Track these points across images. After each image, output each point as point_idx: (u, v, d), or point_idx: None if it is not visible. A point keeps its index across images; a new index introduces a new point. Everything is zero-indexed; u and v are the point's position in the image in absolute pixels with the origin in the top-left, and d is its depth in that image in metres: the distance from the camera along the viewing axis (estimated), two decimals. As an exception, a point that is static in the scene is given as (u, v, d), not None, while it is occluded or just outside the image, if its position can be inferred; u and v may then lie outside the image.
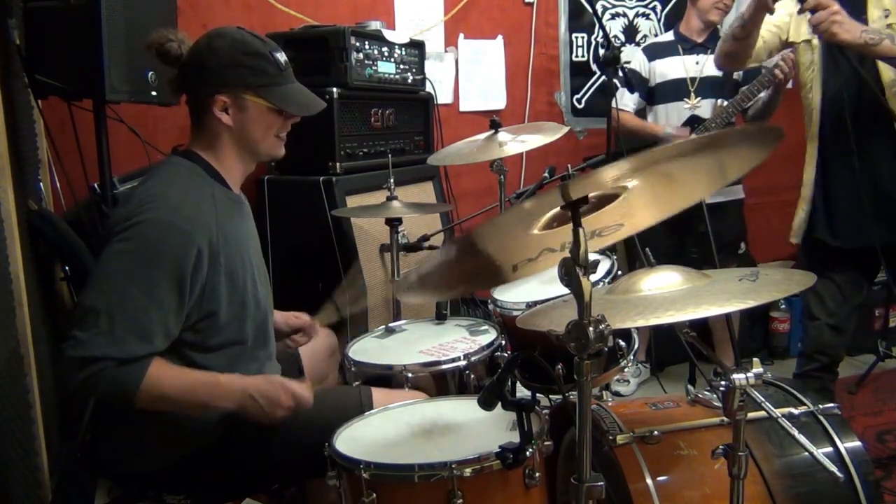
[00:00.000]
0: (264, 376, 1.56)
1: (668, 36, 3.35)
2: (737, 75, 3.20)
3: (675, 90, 3.24)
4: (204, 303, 1.50)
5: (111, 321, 1.37)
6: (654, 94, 3.29)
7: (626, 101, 3.31)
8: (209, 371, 1.51)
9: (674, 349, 3.33)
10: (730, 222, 3.32)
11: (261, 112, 1.57)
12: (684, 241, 3.19)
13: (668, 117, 3.27)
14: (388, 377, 1.85)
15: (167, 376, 1.43)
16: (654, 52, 3.30)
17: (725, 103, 3.14)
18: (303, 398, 1.52)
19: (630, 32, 3.93)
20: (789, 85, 3.13)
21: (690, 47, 3.26)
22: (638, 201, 1.17)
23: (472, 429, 1.47)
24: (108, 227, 1.50)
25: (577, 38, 3.84)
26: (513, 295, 1.99)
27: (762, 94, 3.05)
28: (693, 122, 3.20)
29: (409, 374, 1.81)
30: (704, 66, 3.20)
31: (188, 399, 1.45)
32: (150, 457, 1.56)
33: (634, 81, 3.30)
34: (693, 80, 3.23)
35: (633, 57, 3.38)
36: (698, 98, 3.23)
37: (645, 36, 3.93)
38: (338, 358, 2.07)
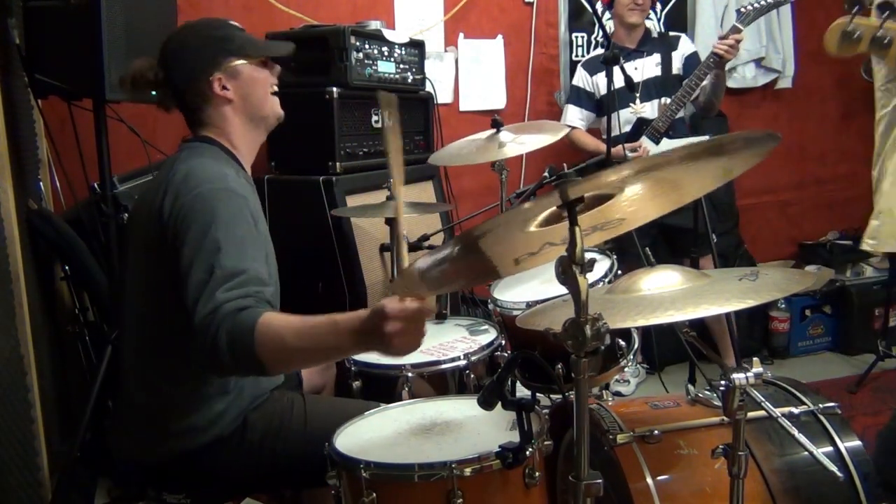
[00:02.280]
0: (375, 310, 1.31)
1: (599, 50, 3.42)
2: (677, 69, 3.24)
3: (619, 99, 3.19)
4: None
5: (216, 279, 1.35)
6: (601, 107, 3.30)
7: (572, 117, 3.36)
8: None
9: (674, 349, 3.33)
10: (720, 212, 3.39)
11: (251, 70, 1.62)
12: (656, 238, 3.19)
13: (617, 125, 3.21)
14: (388, 377, 1.84)
15: (279, 319, 1.33)
16: (593, 66, 3.32)
17: (669, 100, 3.15)
18: (427, 304, 1.33)
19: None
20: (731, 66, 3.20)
21: (626, 54, 3.23)
22: (637, 199, 1.17)
23: (472, 428, 1.47)
24: (159, 213, 1.47)
25: (577, 37, 3.83)
26: (513, 295, 1.99)
27: (705, 81, 3.07)
28: (640, 126, 3.20)
29: (409, 374, 1.80)
30: (643, 69, 3.24)
31: (309, 343, 1.34)
32: (166, 445, 1.55)
33: (582, 97, 3.33)
34: (637, 85, 3.19)
35: (576, 75, 3.41)
36: (642, 103, 3.24)
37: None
38: (333, 371, 2.07)
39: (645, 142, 3.17)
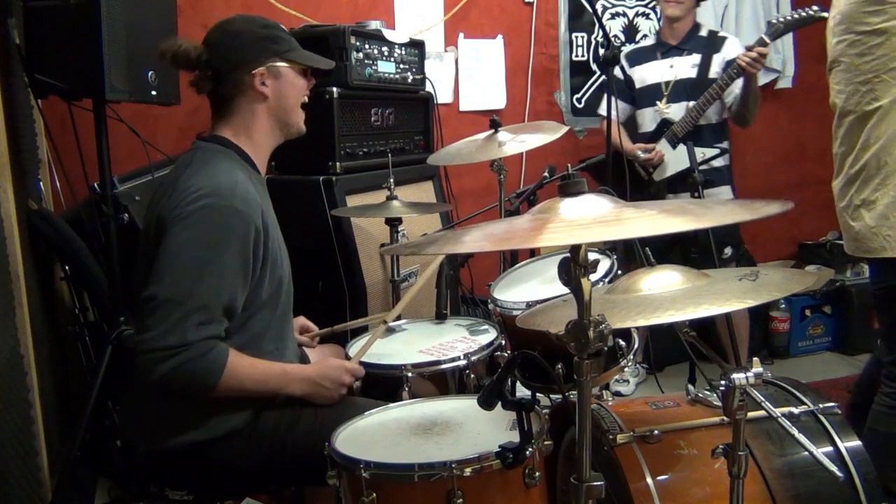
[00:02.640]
0: (319, 362, 1.70)
1: (650, 40, 3.35)
2: (714, 73, 3.14)
3: (651, 95, 3.22)
4: (260, 279, 1.57)
5: (186, 309, 1.42)
6: (636, 100, 3.28)
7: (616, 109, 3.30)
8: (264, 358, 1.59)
9: (674, 349, 3.33)
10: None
11: (293, 76, 1.69)
12: (674, 240, 3.18)
13: (644, 123, 3.27)
14: (388, 377, 1.84)
15: (242, 367, 1.50)
16: (635, 58, 3.29)
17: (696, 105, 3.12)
18: (357, 371, 1.69)
19: (630, 32, 3.93)
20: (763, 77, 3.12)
21: (666, 50, 3.23)
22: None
23: (472, 428, 1.47)
24: (158, 216, 1.52)
25: (577, 37, 3.84)
26: (513, 295, 1.99)
27: (736, 90, 3.03)
28: (663, 127, 3.18)
29: (409, 374, 1.80)
30: (679, 68, 3.18)
31: (261, 388, 1.55)
32: (181, 434, 1.56)
33: (621, 89, 3.24)
34: (667, 84, 3.19)
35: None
36: (669, 103, 3.18)
37: (645, 35, 3.93)
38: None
39: (661, 144, 3.15)
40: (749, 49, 2.89)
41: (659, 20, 3.96)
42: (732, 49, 3.12)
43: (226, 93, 1.64)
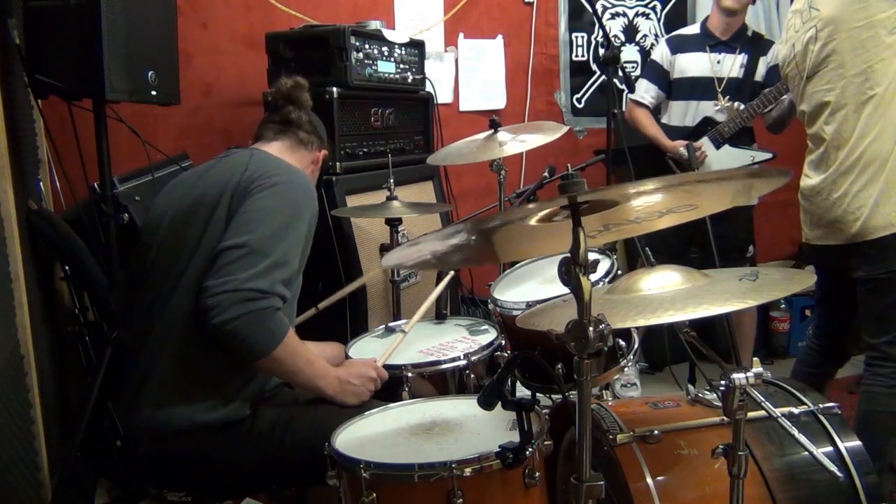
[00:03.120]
0: (346, 364, 1.80)
1: (695, 28, 3.23)
2: (760, 76, 3.13)
3: (695, 88, 3.15)
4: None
5: (274, 262, 1.50)
6: (671, 89, 3.21)
7: (643, 91, 3.21)
8: None
9: (674, 349, 3.33)
10: (739, 226, 3.22)
11: (318, 166, 1.98)
12: (690, 240, 3.19)
13: (685, 116, 3.18)
14: (388, 377, 1.84)
15: (298, 341, 1.57)
16: (678, 44, 3.20)
17: (742, 107, 3.08)
18: (382, 373, 1.74)
19: (630, 32, 3.93)
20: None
21: (714, 44, 3.15)
22: (648, 207, 1.16)
23: (472, 428, 1.47)
24: (234, 189, 1.60)
25: (577, 37, 3.84)
26: (513, 295, 1.99)
27: (785, 97, 2.98)
28: (706, 125, 3.13)
29: (409, 374, 1.80)
30: (726, 66, 3.12)
31: (306, 371, 1.60)
32: (181, 417, 1.57)
33: (655, 73, 3.20)
34: (720, 80, 3.12)
35: (657, 47, 3.29)
36: (727, 101, 3.13)
37: (645, 35, 3.93)
38: None
39: (706, 144, 3.11)
40: None
41: (663, 19, 3.96)
42: (774, 54, 3.08)
43: (304, 138, 1.88)
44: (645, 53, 3.94)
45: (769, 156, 3.13)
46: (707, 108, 3.15)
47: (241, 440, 1.58)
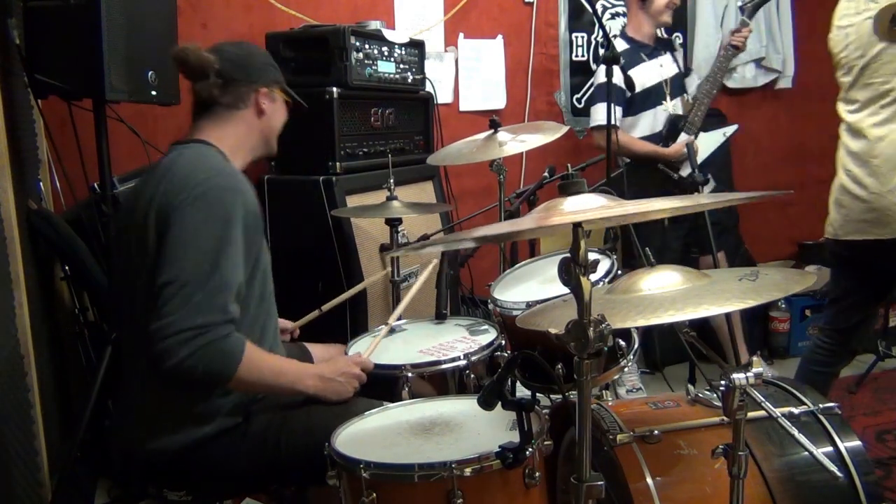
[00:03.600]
0: (327, 361, 1.77)
1: (622, 44, 3.29)
2: (684, 68, 3.39)
3: (651, 96, 3.25)
4: (254, 265, 1.60)
5: (209, 290, 1.43)
6: (631, 104, 3.26)
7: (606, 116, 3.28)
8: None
9: (674, 349, 3.33)
10: (727, 209, 3.42)
11: (281, 104, 1.81)
12: (689, 230, 3.21)
13: (653, 124, 3.26)
14: (388, 377, 1.84)
15: (260, 356, 1.54)
16: (626, 63, 3.19)
17: (691, 96, 3.30)
18: (366, 363, 1.74)
19: (630, 32, 3.93)
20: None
21: (650, 52, 3.28)
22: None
23: (472, 429, 1.47)
24: (158, 208, 1.52)
25: (577, 37, 3.84)
26: (513, 295, 1.99)
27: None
28: (675, 123, 3.23)
29: (409, 374, 1.80)
30: (666, 67, 3.30)
31: (277, 381, 1.57)
32: (170, 437, 1.56)
33: (618, 95, 3.17)
34: (666, 82, 3.28)
35: (604, 70, 3.32)
36: (674, 99, 3.30)
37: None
38: None
39: (682, 139, 3.21)
40: (736, 31, 3.19)
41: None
42: (678, 44, 3.50)
43: (228, 102, 1.70)
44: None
45: (735, 127, 3.31)
46: (661, 111, 3.28)
47: (236, 445, 1.58)
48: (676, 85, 3.31)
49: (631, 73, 3.18)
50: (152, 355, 1.41)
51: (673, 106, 3.28)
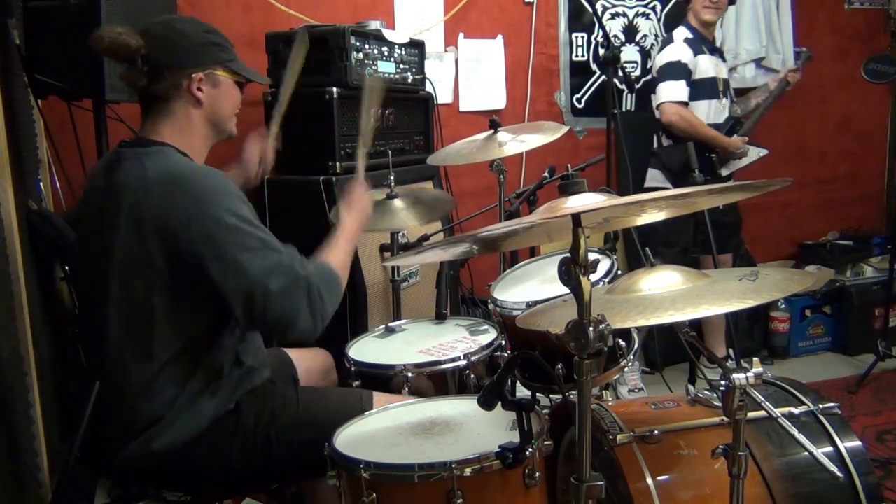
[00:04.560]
0: (343, 206, 1.88)
1: (687, 32, 3.32)
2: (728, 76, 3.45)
3: (710, 88, 3.31)
4: None
5: (274, 272, 1.46)
6: (693, 89, 3.28)
7: (678, 91, 3.23)
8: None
9: (674, 349, 3.33)
10: (729, 208, 3.42)
11: (229, 86, 1.65)
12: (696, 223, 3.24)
13: (711, 115, 3.32)
14: (387, 377, 1.85)
15: (325, 260, 1.61)
16: (693, 46, 3.29)
17: (740, 107, 3.45)
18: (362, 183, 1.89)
19: (630, 32, 3.93)
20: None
21: (710, 47, 3.34)
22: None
23: (472, 429, 1.47)
24: (154, 226, 1.47)
25: (577, 37, 3.84)
26: (513, 295, 1.99)
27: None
28: (735, 124, 3.33)
29: (409, 374, 1.80)
30: (721, 67, 3.38)
31: (347, 258, 1.70)
32: (159, 439, 1.55)
33: (684, 74, 3.24)
34: (720, 81, 3.35)
35: (676, 49, 3.29)
36: (725, 99, 3.37)
37: (645, 35, 3.93)
38: (334, 378, 2.06)
39: (741, 138, 3.31)
40: (794, 71, 3.56)
41: (663, 19, 3.96)
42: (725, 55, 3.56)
43: (160, 93, 1.57)
44: (645, 53, 3.93)
45: (767, 151, 3.35)
46: (717, 104, 3.33)
47: (227, 438, 1.57)
48: (728, 87, 3.39)
49: (698, 58, 3.29)
50: (299, 340, 1.52)
51: (724, 106, 3.35)
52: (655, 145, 3.39)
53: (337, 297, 1.55)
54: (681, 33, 3.33)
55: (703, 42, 3.31)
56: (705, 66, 3.27)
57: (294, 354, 2.00)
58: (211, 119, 1.64)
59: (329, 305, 1.51)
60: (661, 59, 3.32)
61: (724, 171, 3.30)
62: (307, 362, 2.01)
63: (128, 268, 1.49)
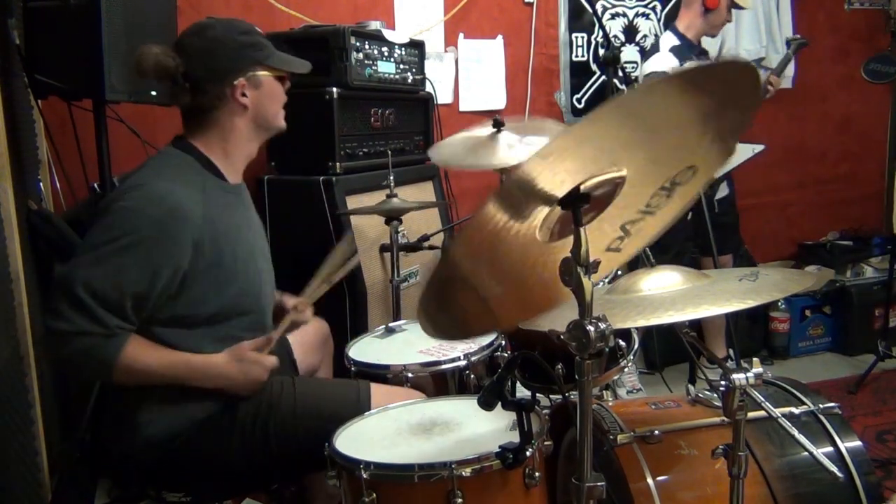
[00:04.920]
0: (227, 351, 1.57)
1: (674, 39, 3.28)
2: None
3: None
4: (184, 288, 1.51)
5: (92, 296, 1.40)
6: None
7: None
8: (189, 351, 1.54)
9: (674, 349, 3.33)
10: (727, 209, 3.50)
11: (271, 84, 1.63)
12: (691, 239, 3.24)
13: None
14: (387, 377, 1.84)
15: (144, 352, 1.48)
16: (680, 55, 3.25)
17: None
18: (268, 360, 1.58)
19: (630, 32, 3.93)
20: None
21: (698, 53, 3.30)
22: (641, 189, 1.14)
23: (472, 429, 1.47)
24: (100, 205, 1.52)
25: (577, 38, 3.83)
26: (513, 295, 1.99)
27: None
28: None
29: (409, 374, 1.80)
30: None
31: (166, 375, 1.51)
32: (146, 432, 1.55)
33: None
34: None
35: (662, 59, 3.26)
36: None
37: (645, 36, 3.93)
38: (330, 347, 2.06)
39: None
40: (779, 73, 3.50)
41: (663, 19, 3.96)
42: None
43: (205, 105, 1.58)
44: (644, 54, 3.93)
45: (762, 147, 3.33)
46: None
47: (225, 434, 1.57)
48: None
49: (686, 65, 3.25)
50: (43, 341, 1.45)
51: None
52: None
53: (93, 371, 1.51)
54: (667, 41, 3.30)
55: (690, 49, 3.28)
56: None
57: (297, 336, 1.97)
58: (257, 121, 1.63)
59: (75, 362, 1.46)
60: (646, 67, 3.31)
61: (719, 172, 3.28)
62: (301, 335, 1.97)
63: None
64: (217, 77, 1.56)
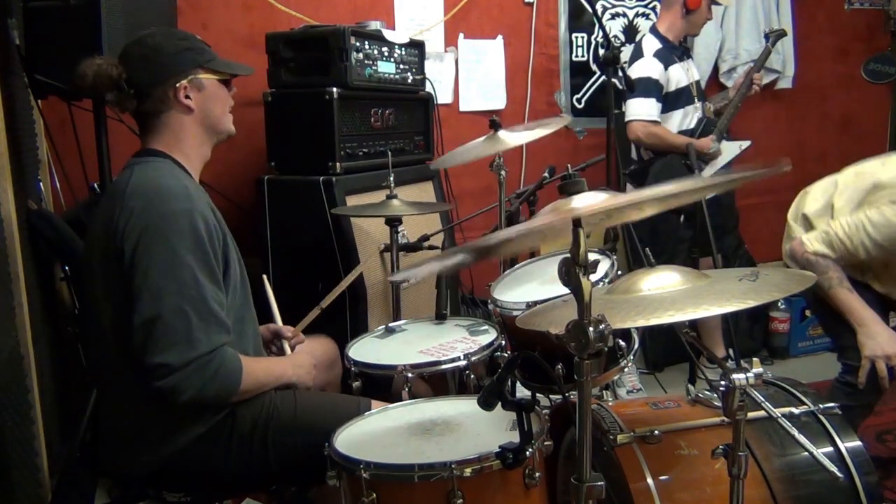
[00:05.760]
0: (286, 357, 1.84)
1: (656, 42, 3.29)
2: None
3: (686, 96, 3.31)
4: (226, 278, 1.57)
5: (186, 323, 1.43)
6: (666, 101, 3.27)
7: (648, 110, 3.22)
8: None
9: (673, 349, 3.33)
10: (727, 209, 3.50)
11: (215, 87, 1.66)
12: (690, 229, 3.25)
13: (684, 123, 3.32)
14: (388, 377, 1.84)
15: (252, 364, 1.57)
16: (663, 59, 3.26)
17: (712, 105, 3.42)
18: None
19: (630, 32, 3.93)
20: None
21: (680, 54, 3.33)
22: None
23: (472, 429, 1.47)
24: (113, 231, 1.49)
25: (577, 38, 3.84)
26: (513, 295, 1.99)
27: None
28: (709, 126, 3.30)
29: (409, 374, 1.80)
30: (692, 71, 3.40)
31: (270, 380, 1.63)
32: (149, 451, 1.56)
33: (655, 90, 3.23)
34: (692, 85, 3.36)
35: (646, 64, 3.26)
36: (698, 102, 3.38)
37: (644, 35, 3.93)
38: (338, 370, 2.06)
39: (711, 139, 3.30)
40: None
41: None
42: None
43: (151, 109, 1.61)
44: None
45: (749, 143, 3.36)
46: (692, 109, 3.35)
47: (223, 443, 1.57)
48: (700, 89, 3.42)
49: (669, 70, 3.27)
50: (159, 391, 1.43)
51: (697, 108, 3.36)
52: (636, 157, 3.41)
53: (227, 388, 1.50)
54: (650, 45, 3.29)
55: (673, 50, 3.29)
56: (677, 76, 3.27)
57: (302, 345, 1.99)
58: (205, 123, 1.66)
59: (214, 385, 1.47)
60: (631, 73, 3.29)
61: (707, 173, 3.27)
62: (311, 352, 1.97)
63: (112, 270, 1.51)
64: (158, 80, 1.59)
